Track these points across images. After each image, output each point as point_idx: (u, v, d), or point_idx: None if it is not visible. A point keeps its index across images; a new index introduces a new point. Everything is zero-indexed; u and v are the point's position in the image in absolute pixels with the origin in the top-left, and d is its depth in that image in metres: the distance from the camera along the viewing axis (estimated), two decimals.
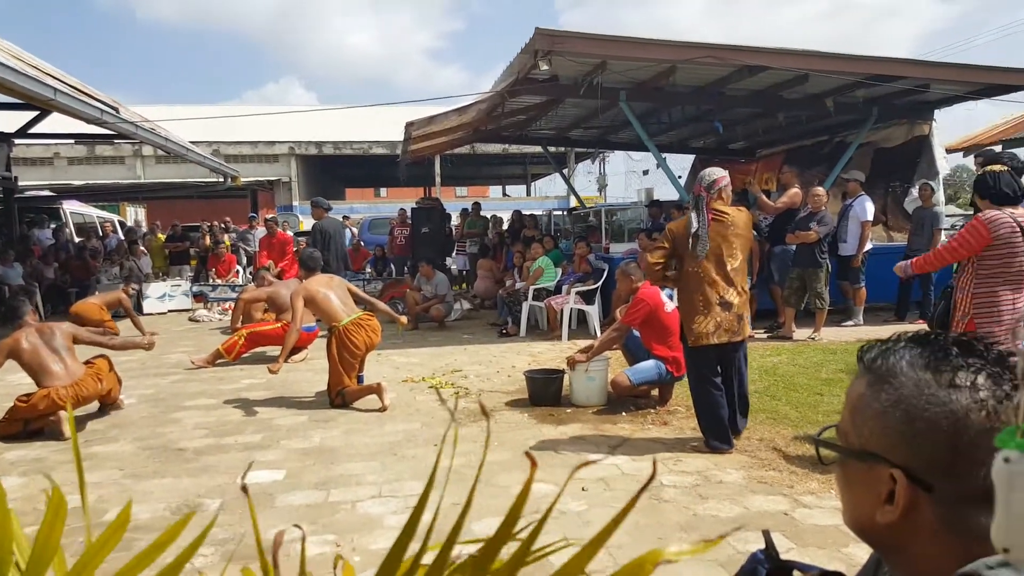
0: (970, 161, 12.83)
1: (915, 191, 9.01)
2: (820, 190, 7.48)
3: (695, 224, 3.97)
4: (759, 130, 11.91)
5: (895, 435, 0.75)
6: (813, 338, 7.24)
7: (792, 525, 3.09)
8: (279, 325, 7.19)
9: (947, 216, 9.18)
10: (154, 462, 4.20)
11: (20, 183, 14.19)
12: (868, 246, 7.93)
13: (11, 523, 0.71)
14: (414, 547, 0.63)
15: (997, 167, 3.60)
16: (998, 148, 11.38)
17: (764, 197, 8.03)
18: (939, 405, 0.73)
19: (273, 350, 7.05)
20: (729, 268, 3.99)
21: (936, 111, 10.07)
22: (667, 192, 12.20)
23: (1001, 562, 0.68)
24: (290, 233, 12.72)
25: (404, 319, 5.89)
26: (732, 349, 4.08)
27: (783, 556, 0.92)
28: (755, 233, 7.97)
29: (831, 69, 8.12)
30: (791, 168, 8.91)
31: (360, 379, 5.56)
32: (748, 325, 4.14)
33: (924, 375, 0.75)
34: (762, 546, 0.94)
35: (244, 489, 0.64)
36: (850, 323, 7.95)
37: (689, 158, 15.04)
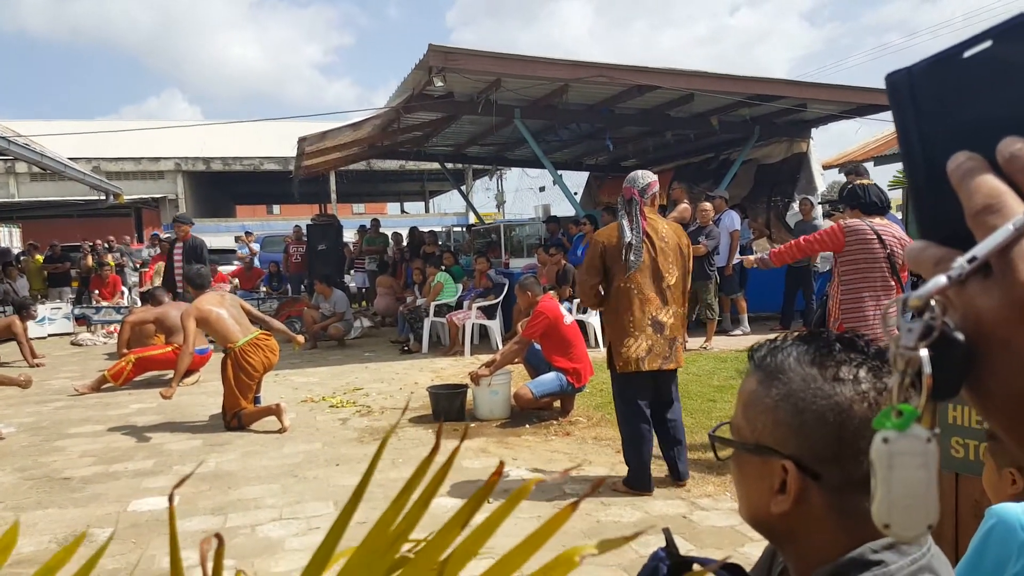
0: (843, 177, 13.84)
1: (796, 205, 9.62)
2: (707, 205, 7.86)
3: (628, 232, 3.49)
4: (649, 147, 12.41)
5: (785, 428, 0.78)
6: (705, 347, 7.56)
7: (690, 527, 3.20)
8: (169, 349, 6.88)
9: None
10: (37, 492, 3.99)
11: None
12: (739, 256, 8.35)
13: None
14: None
15: (866, 180, 3.94)
16: (871, 164, 12.27)
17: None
18: (825, 398, 0.76)
19: (165, 373, 6.70)
20: (664, 284, 3.53)
21: (813, 130, 10.83)
22: (563, 208, 12.55)
23: (885, 545, 0.74)
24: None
25: (301, 338, 5.73)
26: (664, 379, 3.62)
27: (685, 554, 0.95)
28: None
29: (716, 89, 8.58)
30: (680, 184, 9.35)
31: (257, 400, 5.38)
32: (681, 352, 3.63)
33: (810, 370, 0.78)
34: (663, 545, 0.97)
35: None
36: (738, 332, 8.36)
37: (584, 175, 15.45)
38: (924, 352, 0.46)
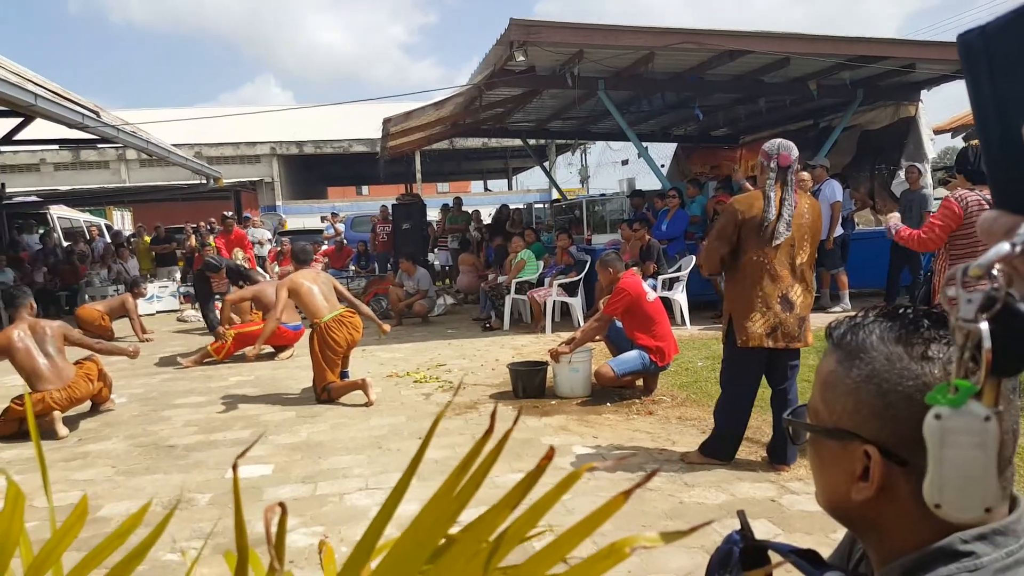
0: (959, 142, 12.88)
1: (902, 174, 9.02)
2: (805, 175, 7.44)
3: (774, 206, 3.32)
4: (741, 116, 11.91)
5: (867, 411, 0.73)
6: None
7: (779, 511, 3.05)
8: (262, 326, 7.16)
9: (936, 199, 9.21)
10: (145, 459, 4.23)
11: (7, 190, 14.16)
12: (841, 229, 7.89)
13: None
14: (392, 533, 0.62)
15: None
16: None
17: (749, 184, 8.01)
18: (913, 378, 0.71)
19: (265, 350, 7.03)
20: (798, 261, 3.40)
21: (923, 91, 10.09)
22: (649, 181, 12.22)
23: (977, 535, 0.68)
24: (245, 230, 12.70)
25: (387, 327, 5.81)
26: (786, 357, 3.50)
27: (764, 539, 0.91)
28: None
29: (814, 51, 8.11)
30: None
31: (344, 375, 5.52)
32: (810, 332, 3.49)
33: (895, 349, 0.73)
34: (738, 527, 0.94)
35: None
36: (837, 309, 7.94)
37: (671, 146, 15.03)
38: (984, 325, 0.44)
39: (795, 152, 3.40)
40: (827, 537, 2.77)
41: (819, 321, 7.41)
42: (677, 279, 7.92)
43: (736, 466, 3.58)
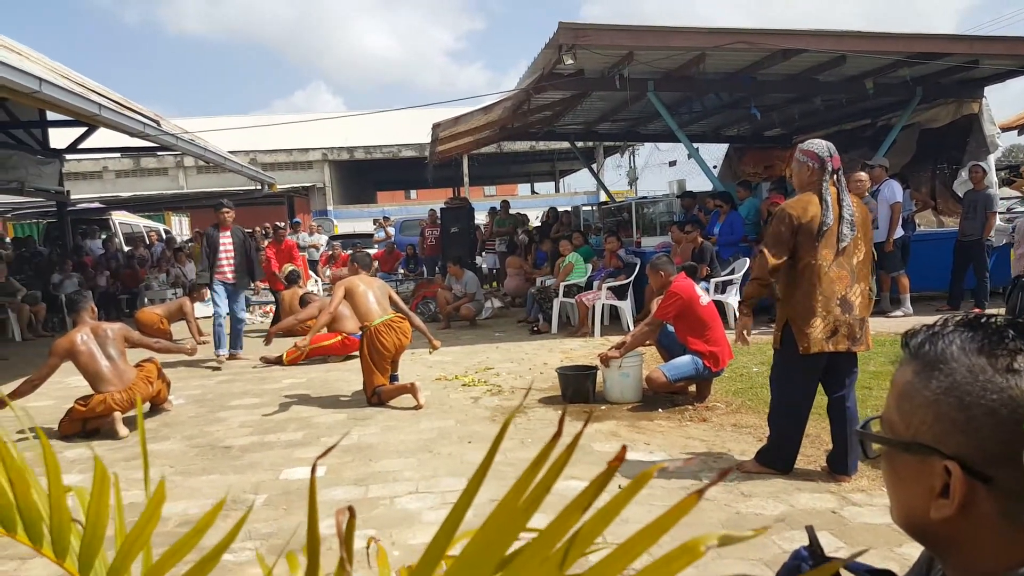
0: None
1: (965, 173, 8.68)
2: (863, 175, 7.22)
3: (831, 207, 3.27)
4: (795, 115, 11.64)
5: (948, 424, 0.71)
6: None
7: (841, 524, 2.95)
8: (338, 340, 7.37)
9: (1001, 199, 8.85)
10: (202, 459, 4.31)
11: (72, 196, 14.68)
12: (901, 231, 7.63)
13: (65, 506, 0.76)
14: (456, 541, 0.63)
15: None
16: None
17: None
18: (997, 391, 0.68)
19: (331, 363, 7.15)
20: (855, 261, 3.34)
21: (986, 88, 9.70)
22: (699, 183, 11.99)
23: None
24: (294, 239, 12.91)
25: (438, 342, 5.83)
26: (845, 361, 3.40)
27: (831, 555, 0.88)
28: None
29: (870, 49, 7.88)
30: None
31: (394, 378, 5.56)
32: (869, 334, 3.42)
33: (978, 360, 0.70)
34: (807, 543, 0.91)
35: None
36: (898, 313, 7.68)
37: (722, 147, 14.78)
38: None
39: (836, 152, 3.37)
40: (892, 551, 2.66)
41: (879, 326, 7.22)
42: (730, 282, 7.76)
43: (795, 476, 3.47)
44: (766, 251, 3.35)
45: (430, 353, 6.00)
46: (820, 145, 3.38)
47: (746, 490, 3.33)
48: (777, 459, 3.48)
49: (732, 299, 7.58)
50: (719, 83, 9.17)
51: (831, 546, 2.73)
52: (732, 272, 7.86)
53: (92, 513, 0.75)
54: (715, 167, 13.01)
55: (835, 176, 3.33)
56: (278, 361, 7.34)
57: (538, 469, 0.59)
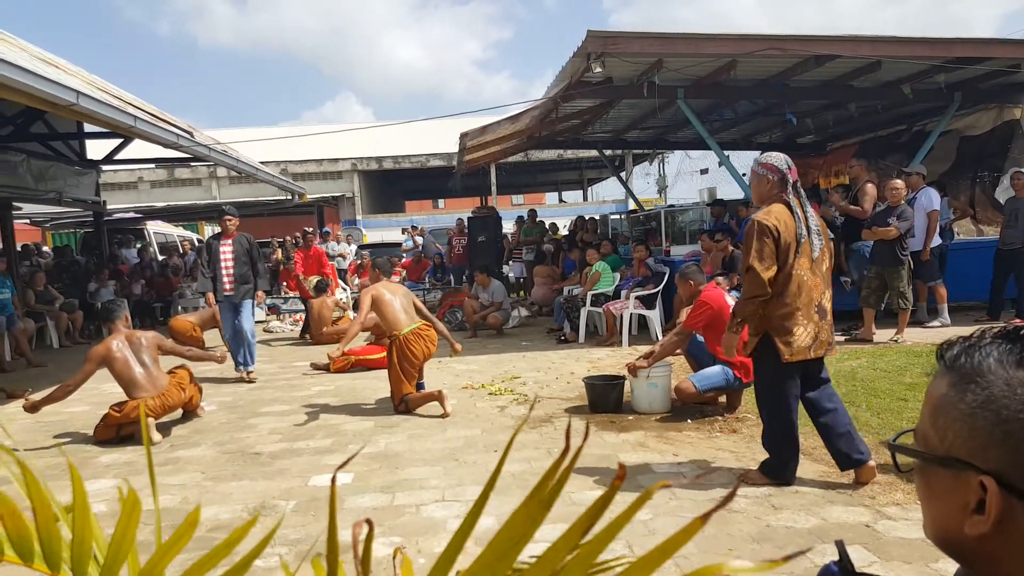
0: None
1: (1007, 180, 8.45)
2: (899, 183, 7.07)
3: (802, 216, 3.38)
4: (830, 122, 11.46)
5: (984, 439, 0.69)
6: (896, 340, 6.84)
7: (875, 538, 2.86)
8: (383, 355, 7.35)
9: None
10: (232, 465, 4.36)
11: (108, 206, 14.98)
12: (938, 239, 7.46)
13: (91, 522, 0.76)
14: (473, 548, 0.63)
15: None
16: None
17: (838, 199, 7.67)
18: None
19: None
20: (824, 268, 3.45)
21: None
22: (730, 191, 11.84)
23: None
24: (322, 247, 12.98)
25: (459, 346, 5.82)
26: (815, 367, 3.49)
27: (863, 570, 0.85)
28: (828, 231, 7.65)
29: (906, 54, 7.73)
30: (859, 161, 8.49)
31: (420, 386, 5.57)
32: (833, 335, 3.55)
33: (1018, 373, 0.69)
34: (837, 558, 0.88)
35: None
36: (936, 323, 7.49)
37: (753, 155, 14.64)
38: None
39: (792, 164, 3.47)
40: (927, 567, 2.58)
41: (916, 336, 7.04)
42: None
43: (827, 487, 3.40)
44: (756, 266, 3.30)
45: (451, 356, 5.98)
46: (779, 158, 3.45)
47: (777, 503, 3.26)
48: (782, 474, 3.48)
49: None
50: (751, 90, 9.07)
51: (864, 560, 2.65)
52: None
53: (118, 535, 0.76)
54: (745, 175, 12.88)
55: (795, 188, 3.42)
56: (326, 368, 7.33)
57: (548, 483, 0.59)
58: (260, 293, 7.43)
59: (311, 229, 11.34)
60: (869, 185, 7.57)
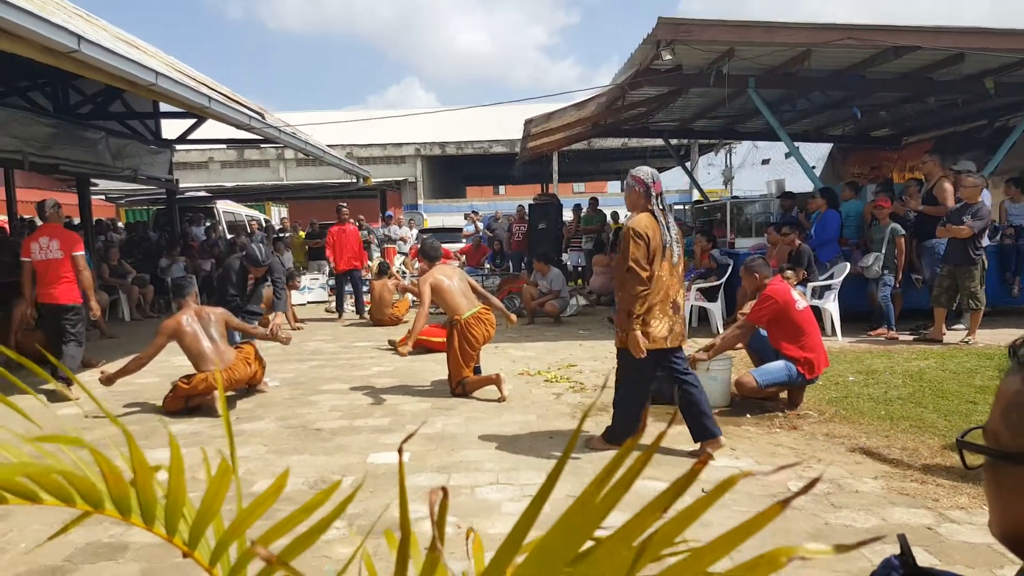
0: None
1: None
2: (975, 180, 6.79)
3: (666, 225, 3.84)
4: (909, 115, 11.01)
5: None
6: (967, 342, 6.60)
7: (937, 541, 2.81)
8: (444, 340, 7.50)
9: None
10: (294, 440, 4.49)
11: (180, 185, 15.56)
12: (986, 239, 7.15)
13: (184, 484, 0.82)
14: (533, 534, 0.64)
15: None
16: None
17: (914, 197, 7.41)
18: None
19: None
20: (681, 270, 3.98)
21: None
22: (799, 183, 11.48)
23: None
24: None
25: (514, 317, 5.86)
26: (680, 354, 4.00)
27: (924, 566, 0.87)
28: (900, 227, 7.39)
29: (992, 46, 7.36)
30: (933, 156, 8.15)
31: (477, 370, 5.64)
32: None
33: None
34: (898, 552, 0.90)
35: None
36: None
37: (824, 147, 14.19)
38: None
39: (657, 177, 3.89)
40: (991, 572, 2.52)
41: (989, 337, 6.85)
42: (828, 287, 7.46)
43: (889, 489, 3.33)
44: (636, 267, 3.74)
45: (507, 326, 6.00)
46: (645, 172, 3.89)
47: (836, 501, 3.22)
48: (622, 439, 3.85)
49: (830, 304, 7.29)
50: (824, 80, 8.79)
51: (925, 563, 2.60)
52: (831, 277, 7.56)
53: (208, 496, 0.82)
54: (815, 167, 12.52)
55: (659, 199, 3.85)
56: (395, 349, 7.50)
57: (616, 468, 0.59)
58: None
59: (345, 205, 11.31)
60: (947, 183, 7.28)
